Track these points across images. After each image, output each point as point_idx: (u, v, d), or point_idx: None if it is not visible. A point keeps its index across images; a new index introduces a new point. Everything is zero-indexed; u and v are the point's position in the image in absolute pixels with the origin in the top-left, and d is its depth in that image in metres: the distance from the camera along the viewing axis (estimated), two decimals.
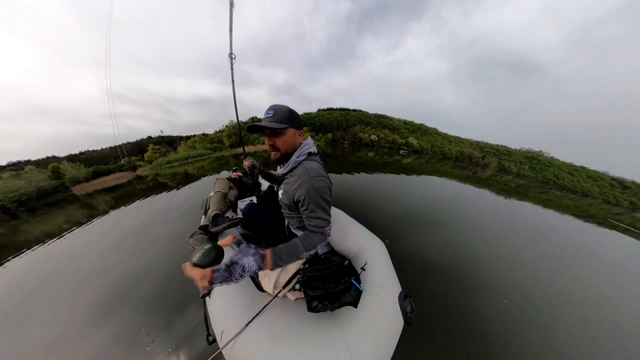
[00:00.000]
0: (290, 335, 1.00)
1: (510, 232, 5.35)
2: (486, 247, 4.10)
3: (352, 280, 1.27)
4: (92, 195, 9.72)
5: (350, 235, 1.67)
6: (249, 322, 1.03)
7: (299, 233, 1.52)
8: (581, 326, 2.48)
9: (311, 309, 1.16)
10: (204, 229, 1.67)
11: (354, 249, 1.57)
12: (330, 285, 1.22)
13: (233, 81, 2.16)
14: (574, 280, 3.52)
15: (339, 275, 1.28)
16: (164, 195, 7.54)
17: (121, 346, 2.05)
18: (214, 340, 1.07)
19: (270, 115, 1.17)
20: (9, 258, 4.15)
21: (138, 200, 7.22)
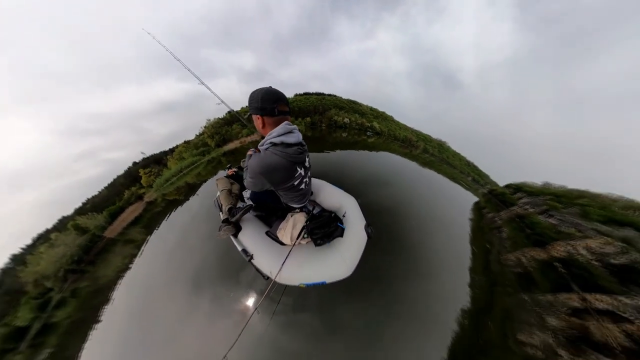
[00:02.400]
0: (310, 260, 1.74)
1: (423, 185, 10.10)
2: (412, 193, 8.00)
3: (338, 224, 1.98)
4: (125, 233, 11.03)
5: (333, 197, 2.37)
6: (284, 261, 1.69)
7: (293, 205, 1.97)
8: (438, 228, 6.33)
9: (317, 244, 1.86)
10: (226, 221, 1.97)
11: (337, 205, 2.28)
12: (325, 230, 1.90)
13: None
14: (439, 206, 8.00)
15: (329, 223, 1.96)
16: (181, 208, 8.68)
17: (218, 302, 3.45)
18: (268, 277, 1.73)
19: None
20: (111, 293, 5.64)
21: (164, 221, 8.42)
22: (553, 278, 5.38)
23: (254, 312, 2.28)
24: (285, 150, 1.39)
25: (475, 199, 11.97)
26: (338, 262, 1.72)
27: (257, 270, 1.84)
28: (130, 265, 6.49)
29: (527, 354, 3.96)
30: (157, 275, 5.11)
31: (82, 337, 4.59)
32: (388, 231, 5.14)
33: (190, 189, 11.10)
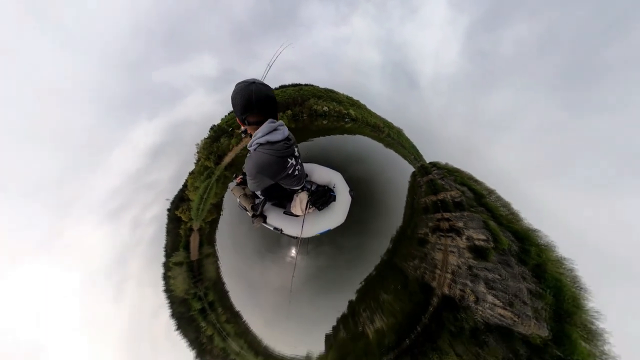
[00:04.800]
0: (318, 220, 2.69)
1: (385, 161, 17.27)
2: (378, 167, 14.96)
3: (331, 193, 2.78)
4: (201, 253, 16.18)
5: (324, 174, 3.09)
6: (302, 225, 2.52)
7: (294, 188, 2.45)
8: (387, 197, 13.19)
9: (319, 210, 2.72)
10: (254, 215, 2.62)
11: (327, 180, 3.02)
12: (323, 199, 2.69)
13: None
14: (394, 175, 16.14)
15: (325, 194, 2.74)
16: (220, 223, 13.00)
17: (277, 258, 7.76)
18: (297, 237, 2.54)
19: None
20: (222, 279, 10.55)
21: (216, 235, 12.87)
22: (435, 207, 11.92)
23: (297, 256, 3.79)
24: (272, 148, 1.54)
25: (413, 169, 19.30)
26: (335, 216, 2.69)
27: (288, 236, 2.65)
28: (219, 265, 11.27)
29: (420, 237, 10.34)
30: (237, 260, 9.71)
31: (227, 298, 9.89)
32: (363, 193, 10.33)
33: (217, 207, 15.24)
